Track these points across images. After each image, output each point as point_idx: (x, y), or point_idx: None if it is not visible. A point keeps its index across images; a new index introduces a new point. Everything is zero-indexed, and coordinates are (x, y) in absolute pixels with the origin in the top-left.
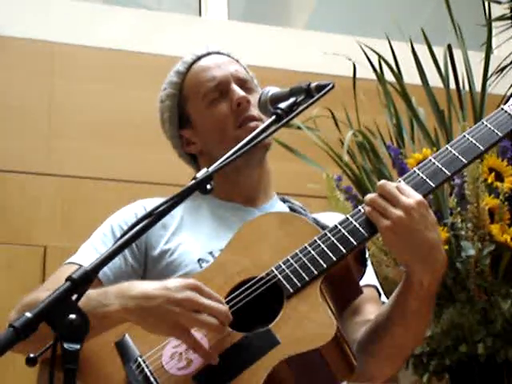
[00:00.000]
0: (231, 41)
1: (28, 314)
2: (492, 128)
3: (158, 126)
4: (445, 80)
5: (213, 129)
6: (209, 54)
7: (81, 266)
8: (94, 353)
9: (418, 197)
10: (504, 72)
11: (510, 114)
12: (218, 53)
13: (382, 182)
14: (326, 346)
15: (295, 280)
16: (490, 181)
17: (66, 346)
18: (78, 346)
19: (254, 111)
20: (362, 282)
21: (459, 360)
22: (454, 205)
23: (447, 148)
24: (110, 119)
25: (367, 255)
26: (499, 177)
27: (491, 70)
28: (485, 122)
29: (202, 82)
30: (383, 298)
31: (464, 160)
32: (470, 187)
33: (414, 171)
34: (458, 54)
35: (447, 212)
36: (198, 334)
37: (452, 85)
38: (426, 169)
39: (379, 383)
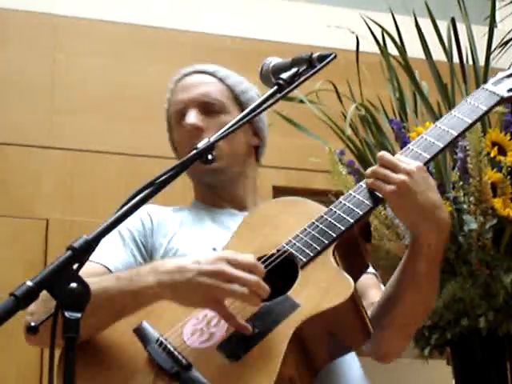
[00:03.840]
0: (233, 15)
1: (28, 283)
2: (476, 104)
3: (160, 100)
4: (448, 54)
5: (178, 149)
6: (192, 72)
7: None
8: (113, 340)
9: (417, 163)
10: (507, 46)
11: (490, 91)
12: (203, 72)
13: (382, 152)
14: (345, 305)
15: (307, 251)
16: (492, 155)
17: (66, 314)
18: (78, 315)
19: (204, 134)
20: None
21: (461, 334)
22: (456, 179)
23: (436, 125)
24: (113, 93)
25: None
26: (502, 151)
27: (495, 43)
28: (468, 99)
29: (174, 103)
30: (382, 287)
31: (454, 133)
32: (473, 161)
33: (409, 147)
34: (461, 28)
35: (450, 186)
36: None
37: (455, 59)
38: (419, 144)
39: (392, 359)
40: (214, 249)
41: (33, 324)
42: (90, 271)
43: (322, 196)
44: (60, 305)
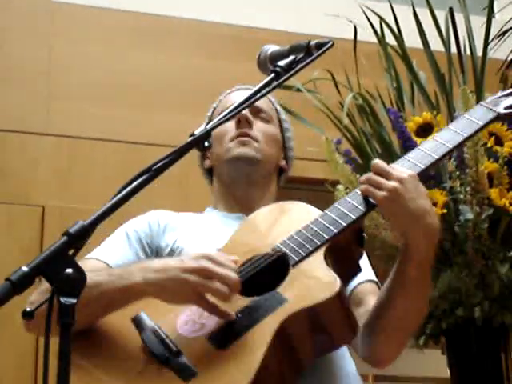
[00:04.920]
0: (230, 2)
1: (24, 268)
2: (473, 119)
3: (158, 88)
4: (446, 44)
5: (216, 142)
6: (238, 89)
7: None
8: (112, 326)
9: (410, 171)
10: (505, 36)
11: (488, 108)
12: (248, 88)
13: (375, 160)
14: (331, 301)
15: (300, 251)
16: (489, 145)
17: (62, 299)
18: (74, 300)
19: (254, 133)
20: (363, 278)
21: (456, 323)
22: (453, 168)
23: (434, 138)
24: (110, 80)
25: (365, 239)
26: (499, 141)
27: (493, 34)
28: (466, 115)
29: (225, 103)
30: None
31: (449, 146)
32: (470, 151)
33: (405, 157)
34: (459, 18)
35: (446, 176)
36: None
37: (453, 49)
38: (415, 155)
39: (386, 365)
40: (218, 250)
41: (28, 309)
42: (93, 269)
43: (319, 185)
44: (55, 290)
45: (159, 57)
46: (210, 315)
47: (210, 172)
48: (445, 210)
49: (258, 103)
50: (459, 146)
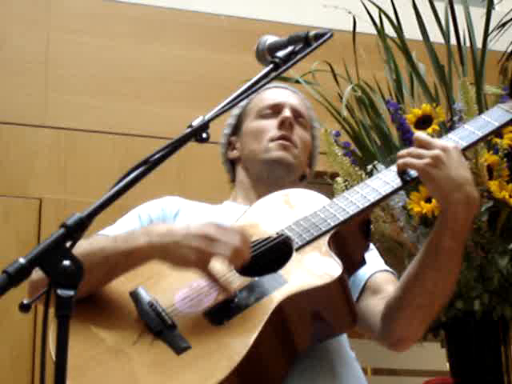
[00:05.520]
0: None
1: (21, 260)
2: (489, 120)
3: (156, 80)
4: (445, 35)
5: (252, 136)
6: (277, 86)
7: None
8: (110, 298)
9: (453, 143)
10: (505, 28)
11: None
12: (287, 88)
13: (418, 133)
14: (331, 286)
15: (304, 235)
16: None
17: (59, 292)
18: (71, 293)
19: (295, 137)
20: (379, 268)
21: (455, 316)
22: None
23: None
24: (108, 72)
25: (371, 229)
26: (498, 133)
27: (492, 25)
28: (482, 116)
29: (265, 99)
30: None
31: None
32: None
33: (447, 136)
34: (459, 10)
35: None
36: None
37: (453, 40)
38: (458, 132)
39: (406, 346)
40: None
41: (25, 302)
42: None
43: (318, 177)
44: (52, 282)
45: (159, 49)
46: (208, 293)
47: (231, 162)
48: None
49: (298, 107)
50: (474, 145)
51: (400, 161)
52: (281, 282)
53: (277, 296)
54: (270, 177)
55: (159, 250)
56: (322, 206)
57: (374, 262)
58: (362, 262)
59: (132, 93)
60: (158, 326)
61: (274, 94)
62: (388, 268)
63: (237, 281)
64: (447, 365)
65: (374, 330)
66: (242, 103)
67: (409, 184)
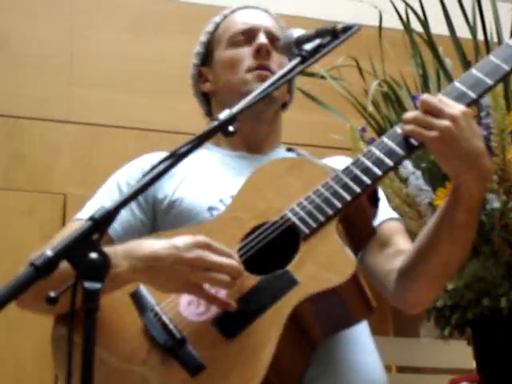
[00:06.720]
0: None
1: (48, 252)
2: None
3: (180, 75)
4: (473, 30)
5: (226, 67)
6: (246, 7)
7: None
8: (108, 305)
9: (462, 107)
10: None
11: None
12: (257, 8)
13: (424, 96)
14: (346, 284)
15: (310, 221)
16: None
17: (86, 284)
18: (98, 286)
19: (273, 66)
20: (385, 216)
21: (481, 314)
22: None
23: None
24: (132, 67)
25: (379, 195)
26: None
27: None
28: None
29: (235, 23)
30: None
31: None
32: (496, 139)
33: (454, 84)
34: (486, 4)
35: None
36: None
37: (480, 35)
38: (465, 81)
39: (421, 309)
40: (221, 200)
41: (52, 295)
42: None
43: None
44: (80, 275)
45: (184, 44)
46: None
47: (205, 95)
48: None
49: (273, 30)
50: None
51: (407, 127)
52: (292, 282)
53: (289, 300)
54: (250, 112)
55: (144, 276)
56: (325, 179)
57: (380, 211)
58: (373, 232)
59: (158, 88)
60: (168, 343)
61: (246, 16)
62: (394, 215)
63: (243, 280)
64: (473, 363)
65: (385, 291)
66: (209, 28)
67: (416, 150)
